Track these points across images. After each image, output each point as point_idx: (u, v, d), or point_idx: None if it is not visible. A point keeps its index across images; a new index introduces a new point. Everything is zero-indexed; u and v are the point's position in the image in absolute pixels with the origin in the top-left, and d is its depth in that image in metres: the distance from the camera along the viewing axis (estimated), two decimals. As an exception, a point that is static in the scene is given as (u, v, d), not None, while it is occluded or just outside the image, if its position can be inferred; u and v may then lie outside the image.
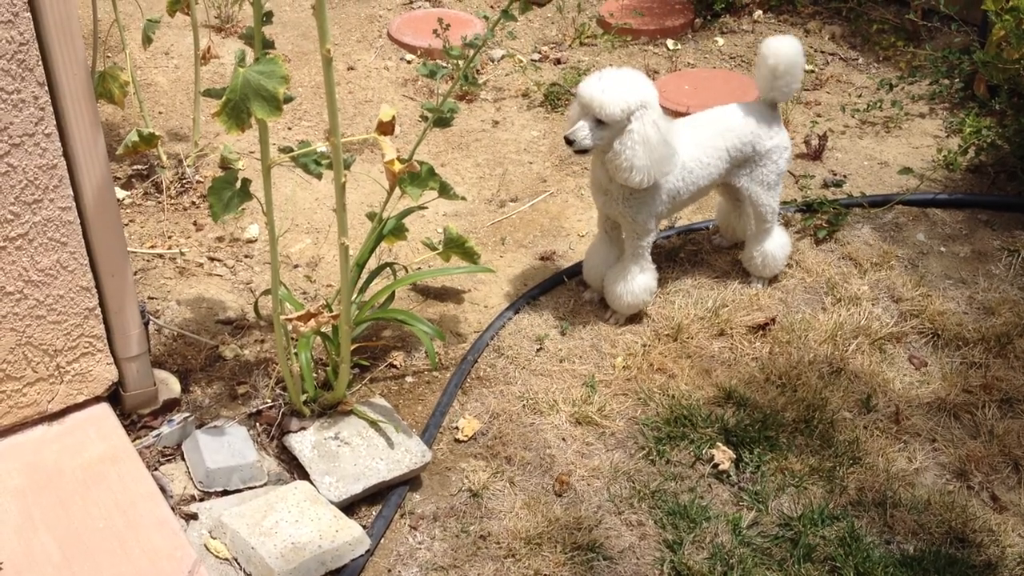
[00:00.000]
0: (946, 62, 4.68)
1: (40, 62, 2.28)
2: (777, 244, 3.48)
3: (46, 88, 2.31)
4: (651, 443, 2.93)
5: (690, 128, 3.29)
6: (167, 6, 2.65)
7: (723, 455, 2.87)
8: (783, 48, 3.23)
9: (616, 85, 2.98)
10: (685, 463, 2.89)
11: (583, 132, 3.03)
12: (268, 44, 2.41)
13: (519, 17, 3.00)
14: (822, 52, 5.11)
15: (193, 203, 3.81)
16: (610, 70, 3.06)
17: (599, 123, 3.02)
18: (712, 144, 3.27)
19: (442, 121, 3.07)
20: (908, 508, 2.76)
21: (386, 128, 2.38)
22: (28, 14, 2.22)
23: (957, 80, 4.65)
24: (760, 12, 5.38)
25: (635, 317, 3.39)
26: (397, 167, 2.38)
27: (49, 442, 2.62)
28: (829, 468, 2.86)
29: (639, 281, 3.29)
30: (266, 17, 2.40)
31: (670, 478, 2.84)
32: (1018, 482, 2.86)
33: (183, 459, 2.74)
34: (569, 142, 3.06)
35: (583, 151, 3.08)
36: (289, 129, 4.34)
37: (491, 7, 5.53)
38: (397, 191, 2.94)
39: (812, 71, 4.94)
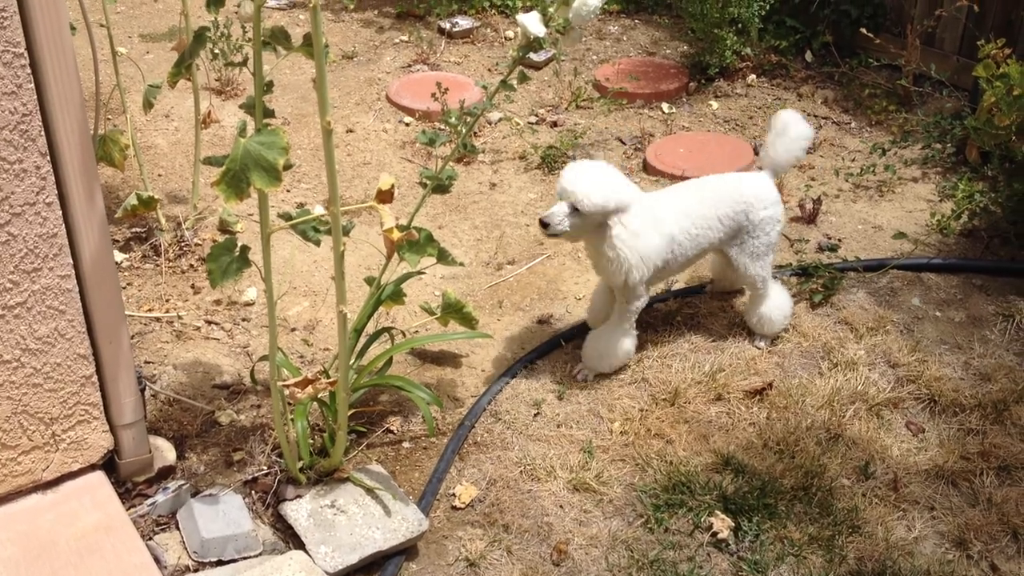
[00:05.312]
0: (938, 127, 4.74)
1: (42, 132, 2.30)
2: (773, 306, 3.50)
3: (48, 158, 2.33)
4: (649, 510, 2.91)
5: (679, 197, 3.34)
6: (168, 78, 2.69)
7: (722, 523, 2.85)
8: (798, 121, 3.39)
9: (596, 184, 3.06)
10: (684, 531, 2.87)
11: (559, 217, 3.10)
12: (268, 112, 2.44)
13: (517, 86, 3.04)
14: (815, 116, 5.16)
15: (191, 266, 3.82)
16: (588, 165, 3.14)
17: (575, 211, 3.09)
18: (700, 214, 3.31)
19: (441, 188, 3.10)
20: (908, 578, 2.74)
21: (385, 197, 2.40)
22: (31, 85, 2.25)
23: (949, 145, 4.70)
24: (753, 76, 5.45)
25: (605, 374, 3.43)
26: (396, 235, 2.39)
27: (43, 511, 2.59)
28: (828, 537, 2.84)
29: (622, 345, 3.35)
30: (266, 86, 2.43)
31: (669, 547, 2.81)
32: (1017, 551, 2.84)
33: (178, 528, 2.72)
34: (544, 225, 3.12)
35: (555, 236, 3.16)
36: (288, 191, 4.36)
37: (488, 70, 5.59)
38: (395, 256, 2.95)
39: (805, 135, 4.99)
